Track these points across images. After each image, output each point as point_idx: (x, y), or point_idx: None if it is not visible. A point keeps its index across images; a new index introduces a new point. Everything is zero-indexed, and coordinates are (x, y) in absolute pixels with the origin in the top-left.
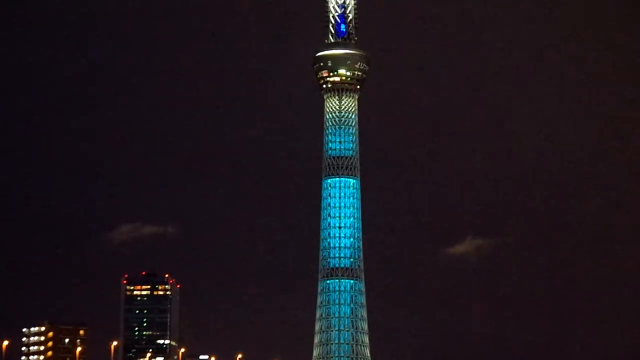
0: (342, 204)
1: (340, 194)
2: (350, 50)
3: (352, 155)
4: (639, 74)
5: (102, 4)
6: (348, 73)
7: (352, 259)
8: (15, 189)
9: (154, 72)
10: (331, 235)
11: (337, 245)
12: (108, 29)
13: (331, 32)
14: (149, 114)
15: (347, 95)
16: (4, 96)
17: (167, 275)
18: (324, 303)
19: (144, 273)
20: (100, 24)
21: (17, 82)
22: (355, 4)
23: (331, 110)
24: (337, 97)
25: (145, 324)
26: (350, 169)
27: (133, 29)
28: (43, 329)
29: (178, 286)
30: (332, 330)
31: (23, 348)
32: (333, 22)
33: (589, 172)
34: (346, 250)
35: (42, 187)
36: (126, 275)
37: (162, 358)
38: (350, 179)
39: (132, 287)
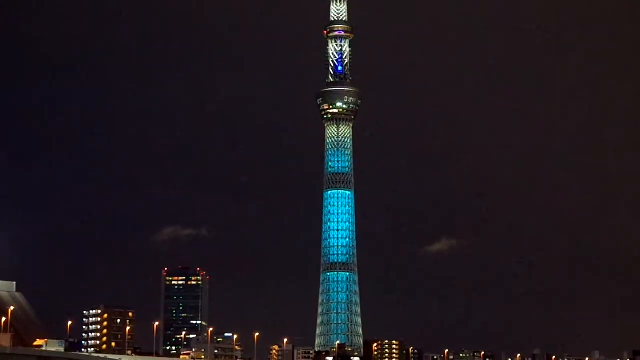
0: (339, 211)
1: (338, 203)
2: (346, 87)
3: (347, 172)
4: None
5: None
6: (344, 106)
7: (347, 256)
8: (85, 200)
9: (190, 103)
10: (331, 236)
11: (335, 244)
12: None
13: (331, 73)
14: (190, 143)
15: (343, 124)
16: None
17: (199, 269)
18: (325, 291)
19: (180, 267)
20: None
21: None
22: (350, 50)
23: (331, 136)
24: (335, 126)
25: (181, 308)
26: (347, 183)
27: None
28: (99, 311)
29: (208, 277)
30: (331, 313)
31: (84, 327)
32: (332, 65)
33: (539, 179)
34: (343, 248)
35: (105, 197)
36: (166, 269)
37: (195, 335)
38: (346, 191)
39: (170, 278)
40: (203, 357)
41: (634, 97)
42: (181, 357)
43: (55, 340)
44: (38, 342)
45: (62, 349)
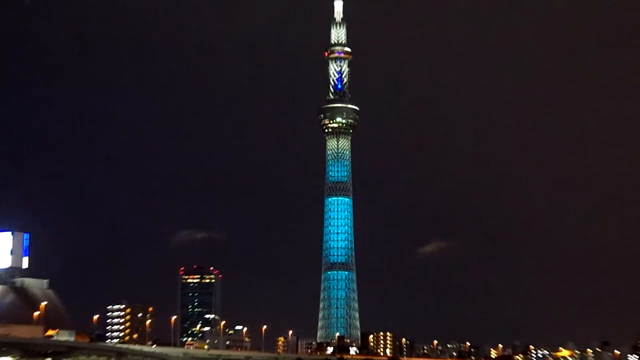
0: (339, 216)
1: (337, 209)
2: (344, 104)
3: (346, 181)
4: None
5: None
6: (343, 121)
7: (346, 256)
8: (111, 206)
9: (207, 117)
10: (331, 239)
11: (335, 246)
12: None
13: (331, 91)
14: (205, 154)
15: (342, 137)
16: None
17: (212, 268)
18: (326, 288)
19: (195, 266)
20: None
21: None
22: (348, 70)
23: (331, 148)
24: (335, 139)
25: (196, 303)
26: (345, 190)
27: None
28: (123, 306)
29: (220, 276)
30: (332, 308)
31: (108, 320)
32: (332, 83)
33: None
34: (342, 250)
35: (128, 204)
36: (182, 268)
37: (208, 328)
38: (345, 198)
39: (186, 277)
40: (206, 347)
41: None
42: (185, 346)
43: (65, 331)
44: (50, 332)
45: (72, 339)
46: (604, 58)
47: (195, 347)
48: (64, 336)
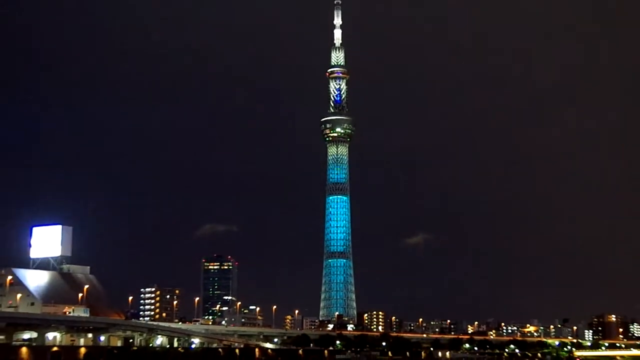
0: (338, 212)
1: (337, 206)
2: (343, 116)
3: (344, 182)
4: None
5: None
6: (342, 131)
7: (344, 247)
8: (145, 204)
9: (224, 129)
10: (331, 231)
11: (335, 237)
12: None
13: (331, 104)
14: (227, 161)
15: (341, 145)
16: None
17: (229, 257)
18: (327, 274)
19: (215, 255)
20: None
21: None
22: (346, 88)
23: (332, 154)
24: (335, 146)
25: (215, 287)
26: (343, 190)
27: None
28: (153, 289)
29: (237, 263)
30: (332, 291)
31: (140, 301)
32: (332, 99)
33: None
34: (340, 241)
35: (159, 203)
36: (204, 256)
37: (226, 307)
38: (343, 197)
39: (208, 264)
40: (210, 322)
41: None
42: (192, 321)
43: (81, 307)
44: (67, 309)
45: (86, 315)
46: None
47: (201, 323)
48: (79, 312)
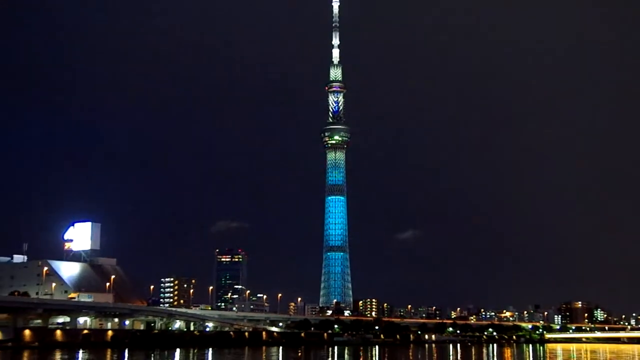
0: (336, 210)
1: (335, 205)
2: (340, 126)
3: (342, 184)
4: None
5: None
6: (339, 139)
7: (341, 241)
8: (165, 203)
9: (237, 137)
10: (330, 228)
11: (333, 233)
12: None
13: (330, 115)
14: (241, 166)
15: (339, 151)
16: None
17: (240, 250)
18: (326, 265)
19: (227, 249)
20: None
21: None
22: (343, 100)
23: (330, 159)
24: (333, 152)
25: (227, 276)
26: (341, 191)
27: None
28: (172, 279)
29: (246, 256)
30: (330, 280)
31: (161, 289)
32: (331, 110)
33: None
34: (338, 236)
35: (177, 202)
36: (217, 249)
37: (237, 295)
38: (341, 197)
39: (220, 256)
40: (210, 308)
41: None
42: (192, 307)
43: (85, 294)
44: (72, 295)
45: (90, 299)
46: None
47: (201, 309)
48: (84, 298)
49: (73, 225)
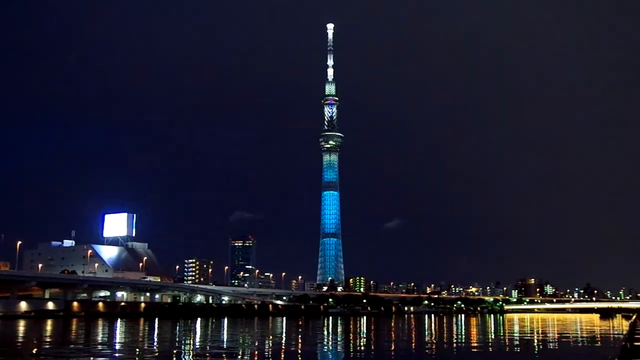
0: (331, 203)
1: (330, 199)
2: (334, 133)
3: (335, 181)
4: None
5: None
6: (333, 143)
7: (335, 229)
8: (189, 196)
9: (247, 142)
10: (326, 217)
11: (328, 222)
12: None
13: (326, 123)
14: (253, 167)
15: (333, 154)
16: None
17: (250, 236)
18: (322, 249)
19: (240, 235)
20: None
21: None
22: (337, 111)
23: (326, 160)
24: (328, 155)
25: (240, 258)
26: (335, 187)
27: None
28: (194, 260)
29: (256, 241)
30: (326, 262)
31: (184, 269)
32: (326, 119)
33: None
34: (332, 224)
35: (199, 195)
36: (232, 236)
37: (248, 274)
38: (335, 192)
39: (234, 241)
40: (212, 284)
41: None
42: (210, 283)
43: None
44: (90, 270)
45: (110, 276)
46: None
47: (217, 285)
48: (100, 273)
49: (112, 214)
